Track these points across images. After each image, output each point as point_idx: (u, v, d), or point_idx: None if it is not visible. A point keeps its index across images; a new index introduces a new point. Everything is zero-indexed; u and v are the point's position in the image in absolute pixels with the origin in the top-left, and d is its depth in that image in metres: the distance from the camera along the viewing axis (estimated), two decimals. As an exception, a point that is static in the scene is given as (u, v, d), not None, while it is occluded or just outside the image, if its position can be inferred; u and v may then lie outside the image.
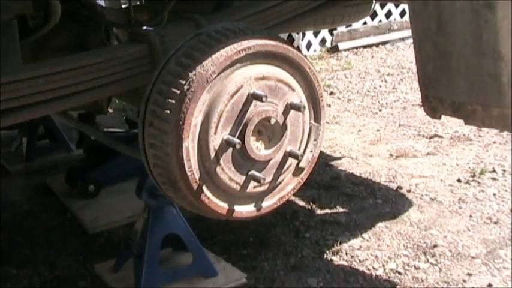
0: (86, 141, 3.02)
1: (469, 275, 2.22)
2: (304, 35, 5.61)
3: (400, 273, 2.25)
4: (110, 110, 3.85)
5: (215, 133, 1.41)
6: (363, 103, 4.28)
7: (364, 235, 2.51)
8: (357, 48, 5.72)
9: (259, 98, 1.42)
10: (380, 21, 6.06)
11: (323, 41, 5.78)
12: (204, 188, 1.45)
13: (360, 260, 2.34)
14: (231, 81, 1.42)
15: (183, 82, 1.39)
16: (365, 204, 2.78)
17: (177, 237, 2.11)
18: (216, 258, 2.27)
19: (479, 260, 2.31)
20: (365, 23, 5.87)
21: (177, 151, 1.39)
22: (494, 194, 2.82)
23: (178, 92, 1.39)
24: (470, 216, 2.64)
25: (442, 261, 2.31)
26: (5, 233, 2.63)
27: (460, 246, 2.41)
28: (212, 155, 1.43)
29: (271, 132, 1.50)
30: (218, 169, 1.44)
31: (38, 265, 2.38)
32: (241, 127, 1.44)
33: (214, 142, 1.42)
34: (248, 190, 1.51)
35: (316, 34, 5.70)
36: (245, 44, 1.43)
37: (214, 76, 1.40)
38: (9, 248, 2.51)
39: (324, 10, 2.06)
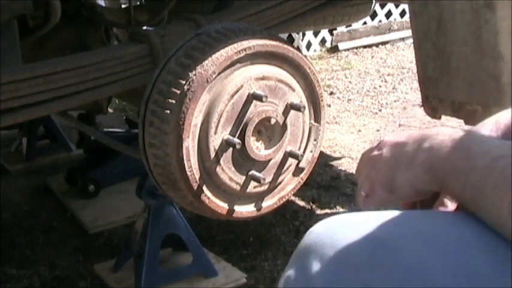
0: (86, 141, 3.02)
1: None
2: (304, 35, 5.61)
3: (400, 273, 2.25)
4: (110, 110, 3.84)
5: (215, 133, 1.41)
6: (363, 103, 4.28)
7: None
8: (357, 48, 5.71)
9: (259, 98, 1.42)
10: (380, 21, 6.05)
11: (323, 41, 5.78)
12: (204, 188, 1.45)
13: (360, 260, 2.34)
14: (231, 81, 1.42)
15: (183, 82, 1.39)
16: (365, 204, 2.78)
17: (177, 237, 2.11)
18: (216, 258, 2.27)
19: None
20: (365, 23, 5.86)
21: (177, 151, 1.39)
22: (494, 194, 2.82)
23: (179, 92, 1.39)
24: (470, 216, 2.64)
25: (442, 261, 2.31)
26: (5, 233, 2.62)
27: (460, 246, 2.41)
28: (212, 155, 1.43)
29: (271, 132, 1.51)
30: (218, 169, 1.44)
31: (38, 265, 2.37)
32: (241, 127, 1.44)
33: (214, 142, 1.42)
34: (248, 190, 1.51)
35: (316, 34, 5.69)
36: (245, 44, 1.43)
37: (214, 76, 1.40)
38: (9, 248, 2.51)
39: (324, 10, 2.06)
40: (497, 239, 0.59)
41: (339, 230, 0.62)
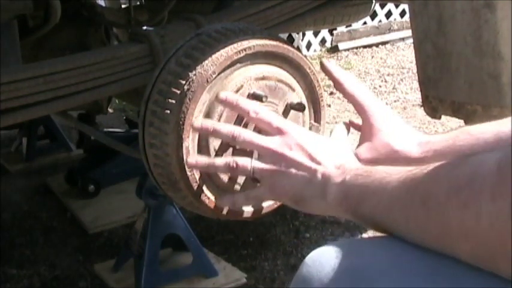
0: (86, 141, 3.02)
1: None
2: (304, 35, 5.61)
3: (400, 273, 2.25)
4: (110, 110, 3.85)
5: (215, 133, 1.41)
6: (363, 103, 4.27)
7: (364, 235, 2.51)
8: (357, 48, 5.71)
9: (259, 98, 1.42)
10: (380, 21, 6.05)
11: (323, 41, 5.78)
12: (204, 188, 1.45)
13: (360, 260, 2.34)
14: (231, 81, 1.42)
15: (183, 82, 1.39)
16: (365, 204, 2.78)
17: (177, 237, 2.11)
18: (216, 258, 2.27)
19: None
20: (365, 23, 5.87)
21: (177, 151, 1.39)
22: (494, 194, 2.81)
23: (179, 92, 1.39)
24: (470, 216, 2.63)
25: (442, 261, 2.31)
26: (5, 233, 2.63)
27: (460, 246, 2.40)
28: (212, 155, 1.42)
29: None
30: (218, 169, 1.44)
31: (38, 265, 2.38)
32: (241, 127, 1.44)
33: (214, 142, 1.42)
34: (248, 190, 1.50)
35: (316, 34, 5.69)
36: (245, 44, 1.43)
37: (214, 76, 1.40)
38: (9, 248, 2.51)
39: (324, 10, 2.06)
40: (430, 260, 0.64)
41: (326, 263, 0.68)
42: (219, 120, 1.42)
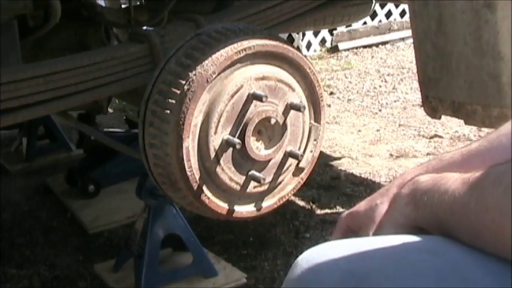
0: (86, 141, 3.02)
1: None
2: (304, 35, 5.61)
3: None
4: (110, 110, 3.84)
5: (215, 133, 1.41)
6: (363, 103, 4.28)
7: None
8: (357, 48, 5.71)
9: (259, 98, 1.42)
10: (380, 21, 6.05)
11: (323, 41, 5.78)
12: (204, 188, 1.45)
13: (360, 260, 2.33)
14: (231, 81, 1.43)
15: (183, 82, 1.39)
16: (365, 204, 2.77)
17: (177, 237, 2.11)
18: (216, 258, 2.27)
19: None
20: (365, 23, 5.86)
21: (177, 151, 1.39)
22: (494, 194, 2.81)
23: (179, 92, 1.39)
24: (470, 216, 2.63)
25: (442, 261, 2.30)
26: (5, 233, 2.62)
27: (460, 246, 2.40)
28: (212, 155, 1.43)
29: (271, 132, 1.51)
30: (218, 169, 1.44)
31: (38, 265, 2.37)
32: (241, 127, 1.44)
33: (214, 142, 1.42)
34: (248, 190, 1.51)
35: (316, 34, 5.69)
36: (245, 44, 1.43)
37: (214, 76, 1.40)
38: (9, 248, 2.51)
39: (324, 10, 2.06)
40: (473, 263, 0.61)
41: (324, 266, 0.64)
42: (219, 119, 1.42)
